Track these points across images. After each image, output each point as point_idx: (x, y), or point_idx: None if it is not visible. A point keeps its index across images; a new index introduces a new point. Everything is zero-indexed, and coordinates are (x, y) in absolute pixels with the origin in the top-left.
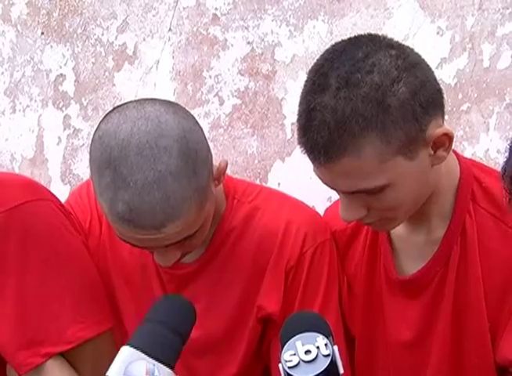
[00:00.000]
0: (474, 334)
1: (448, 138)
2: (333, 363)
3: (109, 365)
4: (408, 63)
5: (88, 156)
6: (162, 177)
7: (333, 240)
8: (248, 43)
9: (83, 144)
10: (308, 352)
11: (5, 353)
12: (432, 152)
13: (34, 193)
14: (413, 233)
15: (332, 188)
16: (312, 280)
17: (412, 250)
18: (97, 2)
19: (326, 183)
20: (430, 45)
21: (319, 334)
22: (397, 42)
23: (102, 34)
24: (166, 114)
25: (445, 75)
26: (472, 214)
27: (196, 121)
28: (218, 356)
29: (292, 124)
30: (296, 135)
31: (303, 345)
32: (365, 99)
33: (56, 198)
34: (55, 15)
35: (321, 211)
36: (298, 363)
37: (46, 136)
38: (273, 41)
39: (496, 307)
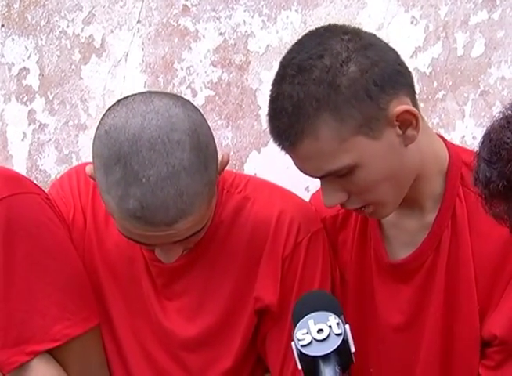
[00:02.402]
0: (465, 317)
1: (413, 115)
2: (344, 342)
3: (97, 361)
4: (359, 45)
5: (55, 151)
6: (176, 172)
7: (323, 229)
8: (220, 34)
9: (50, 139)
10: (320, 330)
11: None
12: (400, 132)
13: (19, 186)
14: (404, 219)
15: (304, 173)
16: (308, 270)
17: (403, 235)
18: None
19: (298, 168)
20: (404, 35)
21: (331, 314)
22: (355, 29)
23: (68, 26)
24: (175, 108)
25: (419, 64)
26: (462, 197)
27: (202, 114)
28: (211, 351)
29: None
30: None
31: (315, 323)
32: (317, 81)
33: (42, 191)
34: (15, 6)
35: None
36: (311, 341)
37: (10, 132)
38: (246, 31)
39: (486, 290)
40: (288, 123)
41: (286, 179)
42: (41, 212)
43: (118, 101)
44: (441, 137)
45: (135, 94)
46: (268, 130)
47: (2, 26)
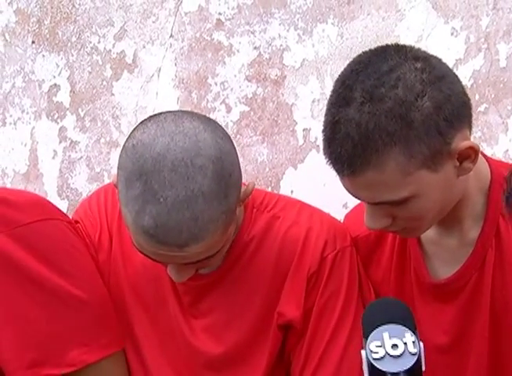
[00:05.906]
0: None
1: (474, 151)
2: (418, 362)
3: None
4: (433, 77)
5: (87, 169)
6: (194, 197)
7: (353, 247)
8: (255, 48)
9: (81, 157)
10: (394, 346)
11: (6, 371)
12: (458, 164)
13: (41, 212)
14: (445, 236)
15: (356, 198)
16: (333, 286)
17: (444, 253)
18: (92, 9)
19: (350, 193)
20: (444, 47)
21: (407, 330)
22: (424, 53)
23: (99, 42)
24: (204, 132)
25: (460, 76)
26: (506, 215)
27: (232, 142)
28: (238, 370)
29: (304, 129)
30: (308, 141)
31: (390, 337)
32: (389, 114)
33: (65, 216)
34: (46, 22)
35: (337, 217)
36: (384, 355)
37: (40, 150)
38: (281, 45)
39: None
40: (352, 151)
41: (324, 196)
42: (62, 238)
43: (150, 116)
44: (482, 153)
45: (168, 112)
46: (304, 146)
47: (33, 42)
